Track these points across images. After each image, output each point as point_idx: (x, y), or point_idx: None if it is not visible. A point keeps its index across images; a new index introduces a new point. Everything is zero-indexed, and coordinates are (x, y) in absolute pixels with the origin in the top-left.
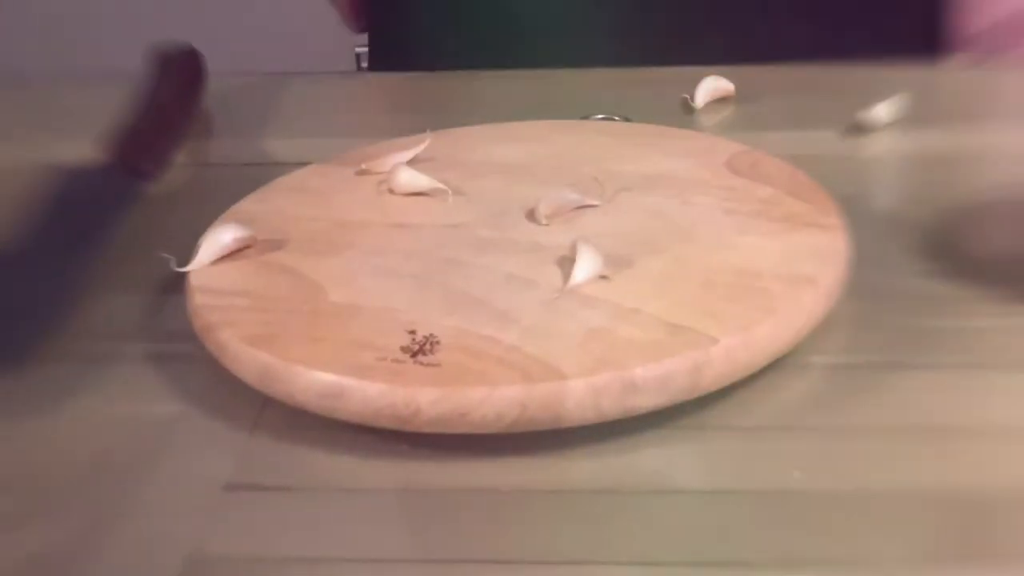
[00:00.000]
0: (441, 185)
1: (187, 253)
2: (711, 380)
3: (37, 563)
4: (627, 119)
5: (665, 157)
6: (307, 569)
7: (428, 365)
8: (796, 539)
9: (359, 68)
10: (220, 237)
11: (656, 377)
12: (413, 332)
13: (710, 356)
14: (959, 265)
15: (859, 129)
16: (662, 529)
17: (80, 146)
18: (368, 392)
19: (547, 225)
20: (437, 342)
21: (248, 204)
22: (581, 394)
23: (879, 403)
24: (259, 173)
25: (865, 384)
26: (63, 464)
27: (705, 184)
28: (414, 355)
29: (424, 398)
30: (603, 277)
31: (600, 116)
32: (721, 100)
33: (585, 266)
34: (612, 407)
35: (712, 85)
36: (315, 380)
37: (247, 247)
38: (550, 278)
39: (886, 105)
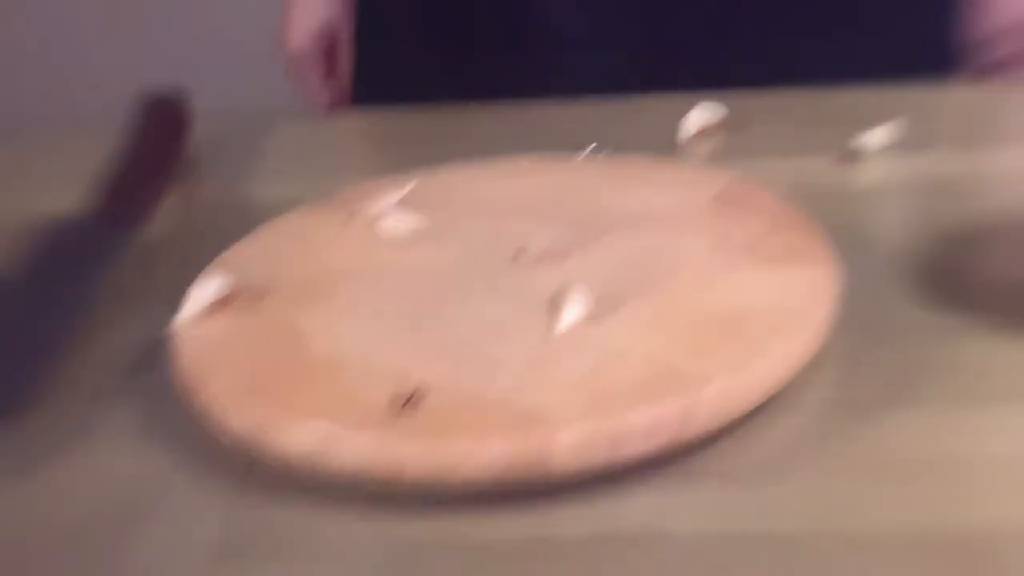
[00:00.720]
0: (428, 226)
1: (177, 300)
2: (703, 422)
3: None
4: (615, 153)
5: (654, 191)
6: None
7: (415, 418)
8: None
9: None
10: (205, 291)
11: (646, 423)
12: (400, 384)
13: (701, 398)
14: (955, 295)
15: (852, 156)
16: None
17: (66, 196)
18: (355, 447)
19: (535, 266)
20: (424, 394)
21: (235, 252)
22: (570, 445)
23: (875, 441)
24: (247, 216)
25: (861, 421)
26: (47, 527)
27: (693, 219)
28: (402, 407)
29: (411, 452)
30: (592, 318)
31: (590, 150)
32: (711, 128)
33: (573, 309)
34: (602, 456)
35: (702, 114)
36: (301, 436)
37: (234, 298)
38: (538, 322)
39: (879, 131)
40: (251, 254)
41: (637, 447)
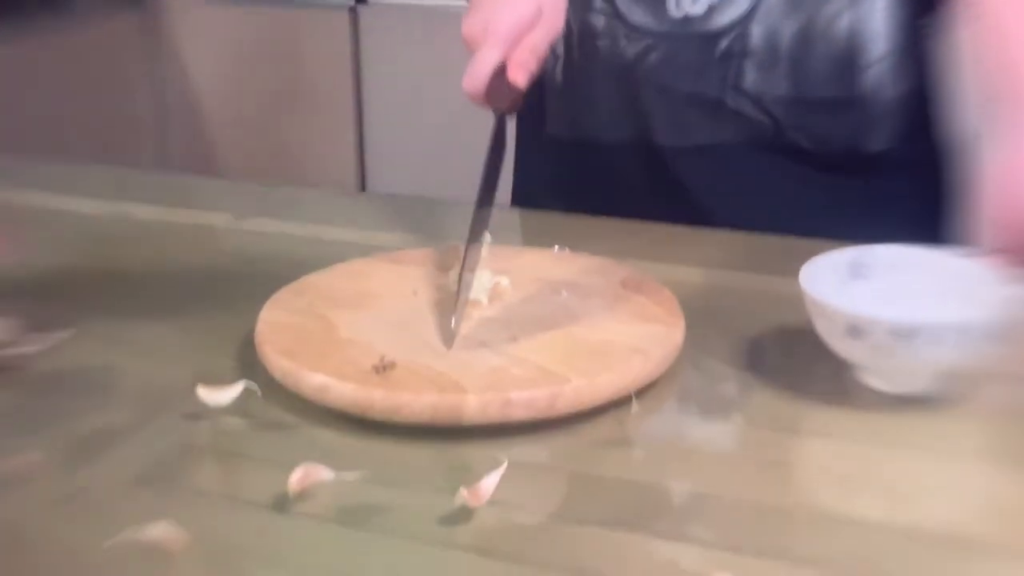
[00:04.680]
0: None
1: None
2: (564, 406)
3: None
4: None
5: (585, 273)
6: None
7: (385, 377)
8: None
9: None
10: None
11: (524, 400)
12: (382, 357)
13: (563, 391)
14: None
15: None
16: None
17: None
18: (344, 390)
19: (490, 302)
20: (394, 365)
21: (314, 276)
22: (475, 404)
23: (681, 447)
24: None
25: (672, 432)
26: None
27: (603, 291)
28: (378, 371)
29: (376, 396)
30: (512, 339)
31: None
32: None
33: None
34: (495, 415)
35: None
36: (315, 378)
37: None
38: (480, 333)
39: None
40: (323, 278)
41: (519, 414)
